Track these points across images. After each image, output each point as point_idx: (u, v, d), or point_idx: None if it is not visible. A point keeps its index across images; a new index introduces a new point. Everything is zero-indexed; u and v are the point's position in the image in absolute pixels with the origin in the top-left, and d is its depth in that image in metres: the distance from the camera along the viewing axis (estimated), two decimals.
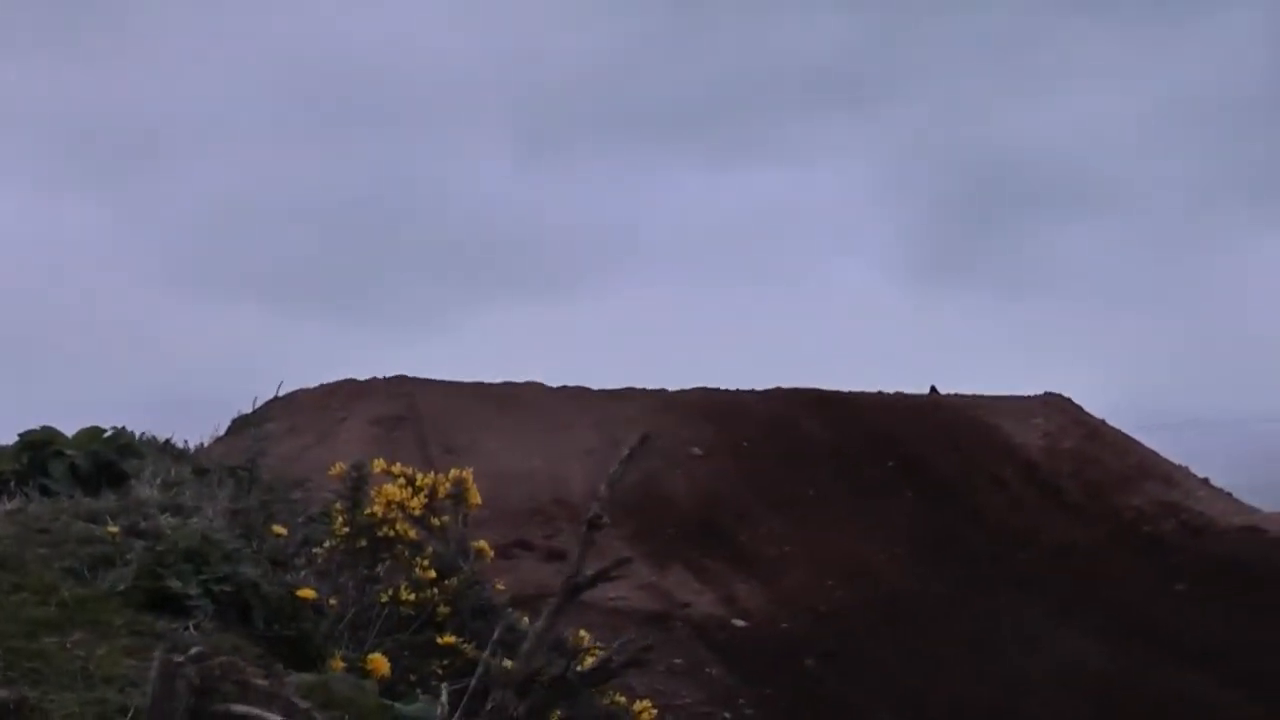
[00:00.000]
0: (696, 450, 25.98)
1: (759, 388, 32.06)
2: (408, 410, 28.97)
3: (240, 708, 2.73)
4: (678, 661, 18.63)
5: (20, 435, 7.95)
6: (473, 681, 3.09)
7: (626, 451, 3.41)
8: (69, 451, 7.80)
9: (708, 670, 19.41)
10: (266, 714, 2.76)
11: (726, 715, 18.70)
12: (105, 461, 7.83)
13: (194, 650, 2.82)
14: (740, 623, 22.59)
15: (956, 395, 33.13)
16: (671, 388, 31.72)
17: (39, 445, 7.83)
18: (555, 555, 22.37)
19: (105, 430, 8.27)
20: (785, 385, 32.20)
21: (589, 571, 3.07)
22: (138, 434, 8.58)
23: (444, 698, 3.51)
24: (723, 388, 32.06)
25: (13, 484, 7.40)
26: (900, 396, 32.61)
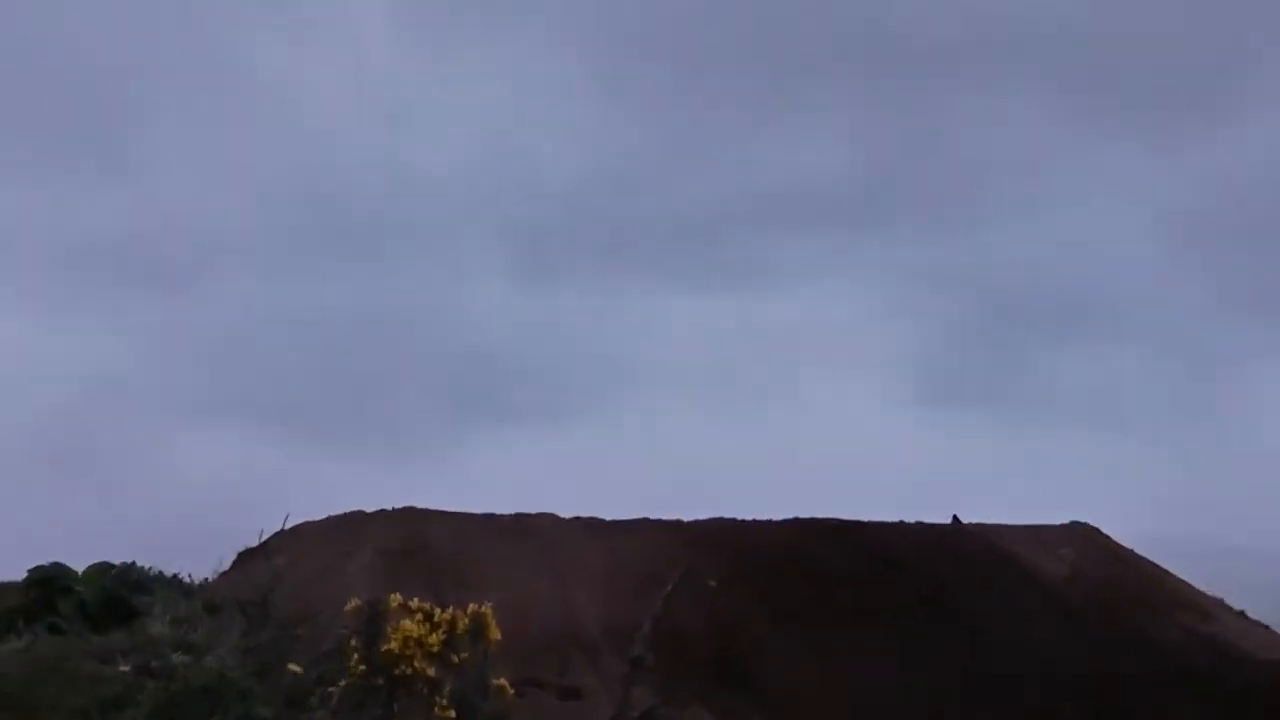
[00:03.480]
0: (712, 582, 25.75)
1: (774, 517, 31.85)
2: (416, 542, 28.75)
3: None
4: None
5: (29, 571, 7.92)
6: None
7: (669, 587, 3.35)
8: (78, 588, 7.75)
9: None
10: None
11: None
12: (115, 597, 7.77)
13: None
14: None
15: (978, 524, 32.91)
16: (685, 516, 31.50)
17: (47, 581, 7.79)
18: (568, 693, 22.06)
19: (114, 566, 8.21)
20: (801, 514, 32.00)
21: (633, 714, 3.00)
22: (147, 568, 8.52)
23: None
24: (738, 517, 31.84)
25: (20, 622, 7.34)
26: (920, 525, 32.40)
